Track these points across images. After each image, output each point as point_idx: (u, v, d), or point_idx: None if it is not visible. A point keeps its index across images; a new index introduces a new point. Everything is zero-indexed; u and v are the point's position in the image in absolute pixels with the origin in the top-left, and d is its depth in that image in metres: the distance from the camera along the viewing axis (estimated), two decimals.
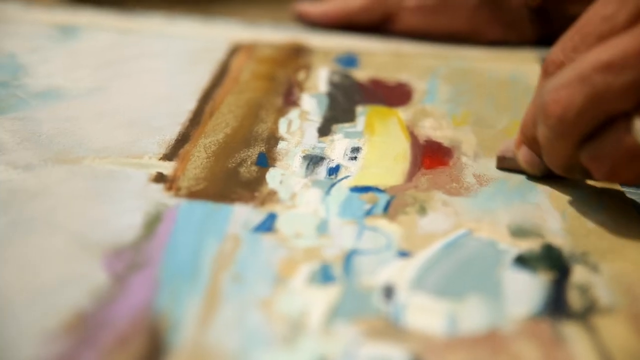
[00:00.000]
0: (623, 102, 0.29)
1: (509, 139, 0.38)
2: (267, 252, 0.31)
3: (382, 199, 0.35)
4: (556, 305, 0.28)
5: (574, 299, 0.29)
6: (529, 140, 0.35)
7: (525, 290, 0.29)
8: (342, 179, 0.36)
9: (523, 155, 0.36)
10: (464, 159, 0.39)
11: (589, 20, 0.32)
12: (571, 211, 0.34)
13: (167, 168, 0.36)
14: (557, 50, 0.33)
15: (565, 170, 0.34)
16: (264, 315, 0.27)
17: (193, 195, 0.34)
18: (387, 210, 0.34)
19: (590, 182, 0.37)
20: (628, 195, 0.36)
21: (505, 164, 0.38)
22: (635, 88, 0.29)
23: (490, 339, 0.27)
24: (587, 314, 0.28)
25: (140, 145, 0.38)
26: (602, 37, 0.31)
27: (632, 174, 0.31)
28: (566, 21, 0.54)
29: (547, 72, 0.33)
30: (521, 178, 0.37)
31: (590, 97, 0.30)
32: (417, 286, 0.29)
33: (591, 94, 0.30)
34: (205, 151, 0.38)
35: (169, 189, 0.35)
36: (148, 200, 0.34)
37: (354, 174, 0.37)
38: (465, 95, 0.47)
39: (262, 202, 0.34)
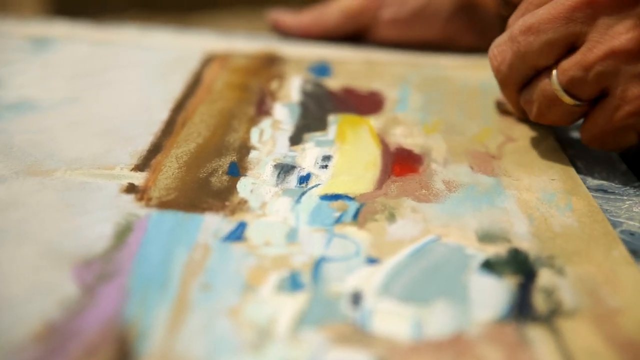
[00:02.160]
0: (543, 58, 0.38)
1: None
2: (237, 260, 0.31)
3: (352, 206, 0.35)
4: (521, 308, 0.29)
5: (539, 302, 0.29)
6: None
7: (491, 295, 0.29)
8: (313, 187, 0.37)
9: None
10: (433, 166, 0.39)
11: None
12: (538, 215, 0.35)
13: (139, 179, 0.37)
14: (512, 17, 0.41)
15: (519, 111, 0.43)
16: (232, 322, 0.27)
17: (164, 205, 0.34)
18: (357, 217, 0.34)
19: (557, 183, 0.38)
20: (594, 198, 0.36)
21: (502, 108, 0.47)
22: (551, 46, 0.37)
23: (455, 343, 0.27)
24: (551, 316, 0.28)
25: (113, 156, 0.39)
26: (538, 5, 0.38)
27: (554, 116, 0.39)
28: None
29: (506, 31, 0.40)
30: (490, 183, 0.38)
31: (516, 53, 0.38)
32: (385, 292, 0.29)
33: (517, 51, 0.38)
34: (177, 161, 0.38)
35: (140, 199, 0.35)
36: (119, 211, 0.34)
37: (325, 182, 0.37)
38: (437, 103, 0.47)
39: (233, 211, 0.34)
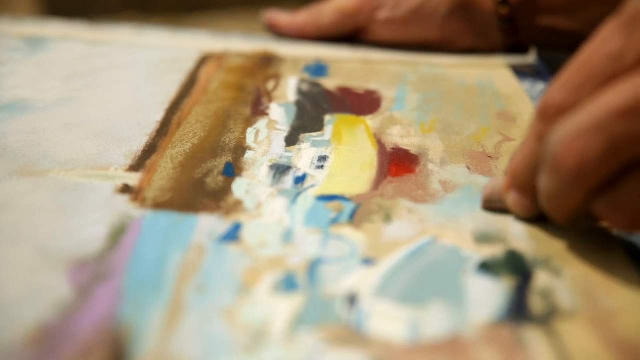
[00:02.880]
0: None
1: (494, 179, 0.36)
2: (231, 261, 0.31)
3: (348, 207, 0.35)
4: (518, 310, 0.29)
5: (536, 303, 0.29)
6: (521, 186, 0.33)
7: (488, 296, 0.29)
8: (308, 187, 0.36)
9: (513, 200, 0.34)
10: (430, 166, 0.39)
11: (592, 57, 0.29)
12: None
13: (133, 179, 0.36)
14: (555, 91, 0.30)
15: (570, 219, 0.31)
16: (227, 324, 0.27)
17: (158, 205, 0.34)
18: (352, 218, 0.34)
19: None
20: None
21: (492, 206, 0.35)
22: None
23: (451, 345, 0.27)
24: (548, 318, 0.28)
25: (107, 156, 0.38)
26: (610, 76, 0.28)
27: None
28: (533, 31, 0.55)
29: (546, 115, 0.31)
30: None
31: (609, 146, 0.27)
32: (380, 293, 0.29)
33: (609, 142, 0.27)
34: (172, 161, 0.38)
35: (135, 200, 0.35)
36: (113, 212, 0.34)
37: (320, 182, 0.37)
38: (434, 102, 0.47)
39: (227, 212, 0.34)
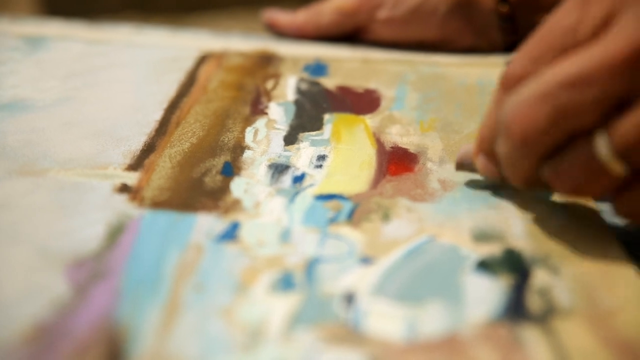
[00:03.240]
0: (587, 118, 0.28)
1: (467, 144, 0.37)
2: (230, 260, 0.31)
3: (346, 206, 0.35)
4: (516, 308, 0.29)
5: (534, 302, 0.29)
6: (487, 152, 0.35)
7: (486, 295, 0.29)
8: (307, 187, 0.36)
9: (481, 164, 0.35)
10: (429, 165, 0.39)
11: (551, 30, 0.31)
12: (534, 214, 0.34)
13: (132, 178, 0.36)
14: (516, 62, 0.32)
15: (526, 185, 0.33)
16: (225, 323, 0.27)
17: (157, 205, 0.34)
18: (351, 217, 0.34)
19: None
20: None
21: (464, 169, 0.37)
22: (600, 103, 0.28)
23: (449, 344, 0.27)
24: (546, 316, 0.28)
25: (106, 156, 0.38)
26: (565, 49, 0.30)
27: (595, 189, 0.30)
28: (534, 29, 0.55)
29: (507, 85, 0.32)
30: (486, 182, 0.37)
31: (555, 114, 0.29)
32: (378, 292, 0.29)
33: (556, 111, 0.29)
34: (171, 161, 0.38)
35: (133, 199, 0.35)
36: (112, 211, 0.34)
37: (319, 182, 0.37)
38: (433, 102, 0.47)
39: (226, 211, 0.34)
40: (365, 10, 0.57)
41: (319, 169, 0.38)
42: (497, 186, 0.37)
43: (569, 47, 0.30)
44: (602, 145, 0.29)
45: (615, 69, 0.28)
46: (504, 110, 0.31)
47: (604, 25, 0.29)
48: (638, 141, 0.28)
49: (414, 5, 0.56)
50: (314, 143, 0.41)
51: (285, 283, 0.30)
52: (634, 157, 0.28)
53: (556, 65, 0.29)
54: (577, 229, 0.33)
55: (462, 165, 0.37)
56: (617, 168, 0.29)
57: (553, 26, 0.31)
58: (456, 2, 0.56)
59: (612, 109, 0.28)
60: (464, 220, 0.34)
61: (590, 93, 0.28)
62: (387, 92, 0.48)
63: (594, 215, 0.35)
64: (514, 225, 0.34)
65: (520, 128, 0.30)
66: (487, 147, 0.35)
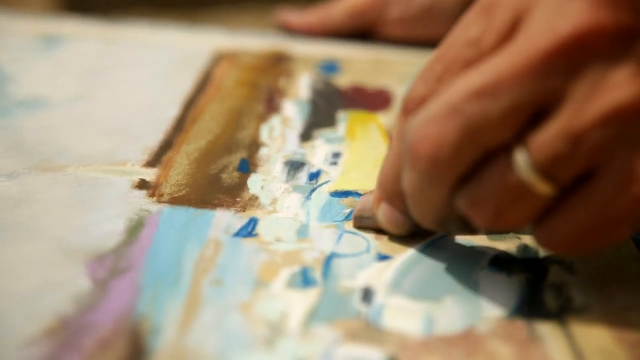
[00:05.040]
0: (501, 132, 0.25)
1: (366, 195, 0.33)
2: (248, 256, 0.31)
3: None
4: (531, 305, 0.29)
5: (549, 298, 0.29)
6: (390, 195, 0.31)
7: (502, 291, 0.30)
8: (323, 183, 0.37)
9: (384, 213, 0.32)
10: None
11: (451, 45, 0.28)
12: None
13: (150, 175, 0.37)
14: (416, 85, 0.29)
15: (439, 223, 0.29)
16: (244, 318, 0.28)
17: (175, 201, 0.35)
18: None
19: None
20: None
21: (364, 224, 0.33)
22: (513, 114, 0.25)
23: (466, 339, 0.27)
24: (561, 313, 0.28)
25: (123, 152, 0.39)
26: (469, 63, 0.27)
27: (518, 216, 0.26)
28: None
29: (407, 110, 0.29)
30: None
31: (465, 129, 0.25)
32: (395, 288, 0.30)
33: (465, 125, 0.25)
34: (188, 158, 0.38)
35: (152, 195, 0.35)
36: (130, 207, 0.34)
37: (334, 178, 0.37)
38: None
39: (244, 207, 0.34)
40: (376, 9, 0.58)
41: (334, 166, 0.38)
42: None
43: (473, 61, 0.27)
44: (522, 162, 0.25)
45: (524, 74, 0.25)
46: (407, 133, 0.28)
47: (510, 32, 0.26)
48: (559, 153, 0.25)
49: (425, 5, 0.56)
50: (328, 140, 0.41)
51: (304, 278, 0.30)
52: (559, 172, 0.25)
53: (461, 77, 0.26)
54: None
55: (361, 219, 0.33)
56: (542, 187, 0.25)
57: (455, 40, 0.28)
58: (464, 3, 0.56)
59: (528, 121, 0.25)
60: None
61: (500, 103, 0.25)
62: (398, 90, 0.48)
63: None
64: None
65: (427, 148, 0.26)
66: (389, 190, 0.31)
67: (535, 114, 0.25)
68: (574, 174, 0.25)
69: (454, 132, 0.26)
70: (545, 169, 0.25)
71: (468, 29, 0.28)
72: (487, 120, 0.25)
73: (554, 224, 0.26)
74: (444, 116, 0.26)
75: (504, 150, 0.26)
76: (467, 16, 0.28)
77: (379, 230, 0.33)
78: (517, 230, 0.30)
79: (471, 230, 0.29)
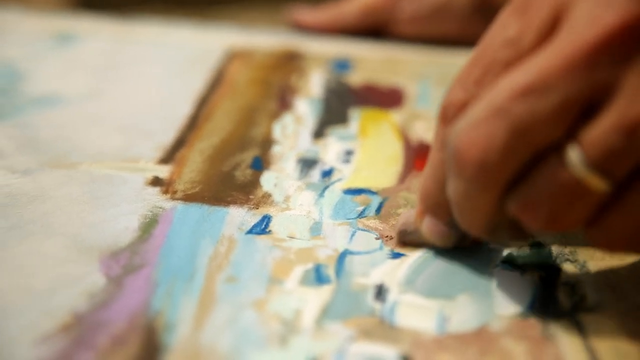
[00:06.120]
0: (551, 130, 0.25)
1: (407, 211, 0.33)
2: (262, 253, 0.31)
3: (375, 200, 0.35)
4: (545, 303, 0.29)
5: (563, 296, 0.29)
6: (434, 207, 0.30)
7: (515, 289, 0.30)
8: (335, 181, 0.37)
9: (428, 227, 0.31)
10: None
11: (488, 47, 0.27)
12: None
13: (163, 172, 0.37)
14: (454, 90, 0.28)
15: (490, 231, 0.28)
16: (258, 315, 0.28)
17: (189, 198, 0.35)
18: (380, 211, 0.34)
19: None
20: None
21: (408, 239, 0.32)
22: (563, 110, 0.24)
23: (480, 337, 0.27)
24: (575, 311, 0.28)
25: (137, 149, 0.39)
26: (508, 64, 0.26)
27: (573, 216, 0.25)
28: None
29: (447, 117, 0.28)
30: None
31: (513, 130, 0.24)
32: (409, 286, 0.30)
33: (513, 126, 0.24)
34: (201, 155, 0.39)
35: (165, 192, 0.35)
36: (144, 204, 0.34)
37: (347, 176, 0.37)
38: None
39: (257, 205, 0.34)
40: (388, 8, 0.58)
41: (346, 164, 0.38)
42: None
43: (513, 61, 0.26)
44: (575, 159, 0.24)
45: (572, 69, 0.24)
46: (450, 140, 0.27)
47: (550, 29, 0.26)
48: (614, 147, 0.24)
49: (437, 4, 0.56)
50: (341, 138, 0.41)
51: (317, 276, 0.30)
52: (614, 167, 0.24)
53: (503, 78, 0.26)
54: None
55: (404, 234, 0.32)
56: (598, 183, 0.24)
57: (492, 42, 0.27)
58: (476, 2, 0.56)
59: (578, 117, 0.24)
60: None
61: (549, 100, 0.24)
62: (411, 88, 0.48)
63: None
64: None
65: (474, 154, 0.25)
66: (433, 202, 0.30)
67: (585, 108, 0.24)
68: (629, 168, 0.24)
69: (502, 134, 0.25)
70: (600, 165, 0.24)
71: (505, 29, 0.27)
72: (536, 119, 0.24)
73: (609, 222, 0.25)
74: (490, 119, 0.25)
75: (555, 149, 0.25)
76: (501, 17, 0.28)
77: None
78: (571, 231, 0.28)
79: (524, 237, 0.28)
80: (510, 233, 0.28)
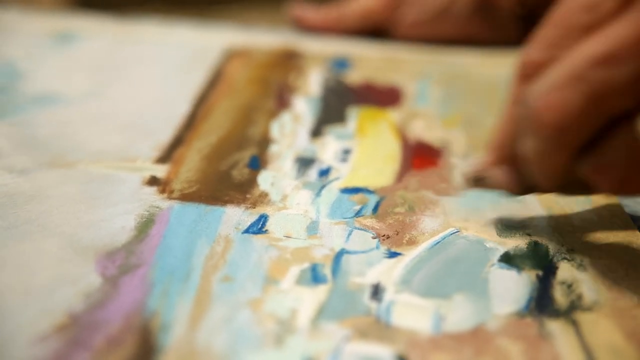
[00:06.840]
0: (626, 99, 0.25)
1: (474, 159, 0.34)
2: (258, 252, 0.31)
3: (372, 199, 0.35)
4: (541, 302, 0.29)
5: (559, 295, 0.29)
6: (506, 159, 0.31)
7: (511, 288, 0.29)
8: (333, 180, 0.37)
9: (500, 175, 0.32)
10: (453, 160, 0.39)
11: (568, 11, 0.28)
12: (558, 208, 0.35)
13: (161, 171, 0.37)
14: (534, 49, 0.29)
15: (560, 186, 0.30)
16: (254, 315, 0.28)
17: (186, 197, 0.35)
18: (377, 210, 0.34)
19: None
20: None
21: (478, 185, 0.33)
22: (637, 82, 0.25)
23: (475, 337, 0.27)
24: (571, 310, 0.28)
25: (135, 148, 0.39)
26: (588, 29, 0.27)
27: None
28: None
29: (525, 75, 0.29)
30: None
31: (590, 97, 0.25)
32: (405, 285, 0.30)
33: (590, 93, 0.25)
34: (199, 154, 0.39)
35: (162, 191, 0.35)
36: (141, 203, 0.34)
37: (344, 175, 0.37)
38: (456, 98, 0.47)
39: (254, 204, 0.34)
40: (389, 12, 0.58)
41: (344, 163, 0.38)
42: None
43: (592, 26, 0.27)
44: None
45: None
46: (529, 101, 0.28)
47: None
48: None
49: (439, 8, 0.56)
50: (339, 137, 0.41)
51: (313, 275, 0.30)
52: None
53: (583, 44, 0.26)
54: (601, 223, 0.34)
55: (477, 181, 0.33)
56: None
57: (570, 6, 0.28)
58: (478, 5, 0.56)
59: None
60: (489, 214, 0.34)
61: (625, 70, 0.25)
62: (410, 87, 0.48)
63: (618, 209, 0.35)
64: (538, 218, 0.34)
65: (552, 116, 0.26)
66: (505, 153, 0.31)
67: None
68: None
69: (579, 100, 0.26)
70: None
71: None
72: (611, 88, 0.25)
73: None
74: (568, 84, 0.26)
75: (628, 117, 0.26)
76: None
77: None
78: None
79: (592, 193, 0.30)
80: (581, 188, 0.30)
